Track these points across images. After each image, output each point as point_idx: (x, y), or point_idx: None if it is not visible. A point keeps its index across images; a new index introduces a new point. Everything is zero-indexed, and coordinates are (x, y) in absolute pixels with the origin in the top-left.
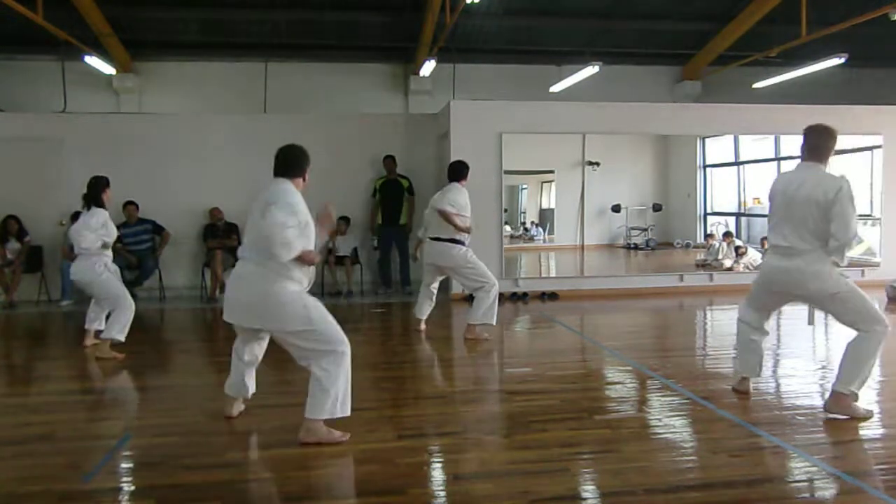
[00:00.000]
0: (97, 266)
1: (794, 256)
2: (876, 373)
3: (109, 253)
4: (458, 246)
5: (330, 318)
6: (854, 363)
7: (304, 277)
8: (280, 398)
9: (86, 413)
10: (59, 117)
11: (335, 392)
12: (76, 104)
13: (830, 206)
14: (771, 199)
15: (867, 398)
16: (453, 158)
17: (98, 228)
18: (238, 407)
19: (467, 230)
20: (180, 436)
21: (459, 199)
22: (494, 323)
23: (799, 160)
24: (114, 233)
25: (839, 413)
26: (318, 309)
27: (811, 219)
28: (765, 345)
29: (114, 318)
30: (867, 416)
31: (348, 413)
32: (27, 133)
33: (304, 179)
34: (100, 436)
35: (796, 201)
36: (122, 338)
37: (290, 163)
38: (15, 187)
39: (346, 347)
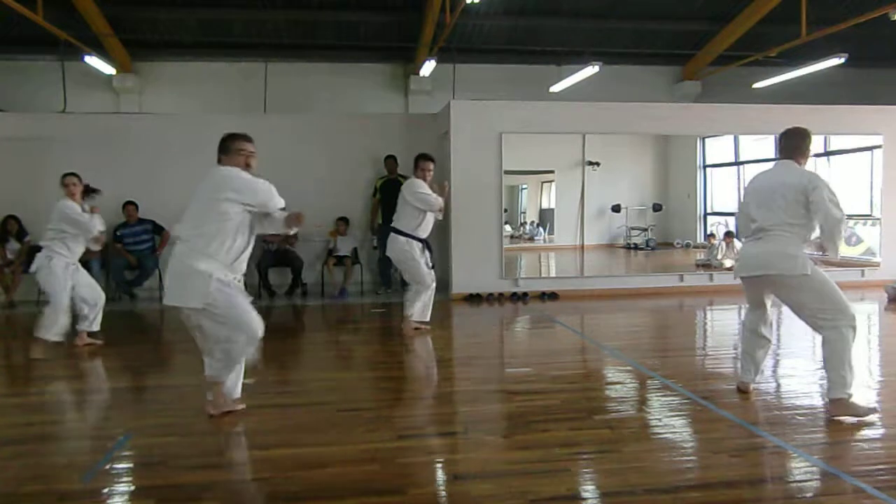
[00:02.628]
0: (44, 258)
1: (768, 240)
2: (876, 373)
3: (68, 248)
4: (408, 240)
5: (241, 304)
6: (837, 367)
7: (226, 265)
8: (280, 398)
9: (86, 413)
10: (59, 117)
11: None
12: (76, 104)
13: (808, 193)
14: (746, 195)
15: (867, 398)
16: (453, 158)
17: (55, 220)
18: (231, 405)
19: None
20: (180, 436)
21: (422, 196)
22: (428, 320)
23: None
24: (79, 226)
25: (844, 416)
26: (224, 293)
27: (785, 200)
28: (762, 353)
29: (44, 317)
30: (870, 411)
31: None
32: (27, 133)
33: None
34: (100, 436)
35: (773, 189)
36: (55, 338)
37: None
38: (15, 187)
39: (253, 337)
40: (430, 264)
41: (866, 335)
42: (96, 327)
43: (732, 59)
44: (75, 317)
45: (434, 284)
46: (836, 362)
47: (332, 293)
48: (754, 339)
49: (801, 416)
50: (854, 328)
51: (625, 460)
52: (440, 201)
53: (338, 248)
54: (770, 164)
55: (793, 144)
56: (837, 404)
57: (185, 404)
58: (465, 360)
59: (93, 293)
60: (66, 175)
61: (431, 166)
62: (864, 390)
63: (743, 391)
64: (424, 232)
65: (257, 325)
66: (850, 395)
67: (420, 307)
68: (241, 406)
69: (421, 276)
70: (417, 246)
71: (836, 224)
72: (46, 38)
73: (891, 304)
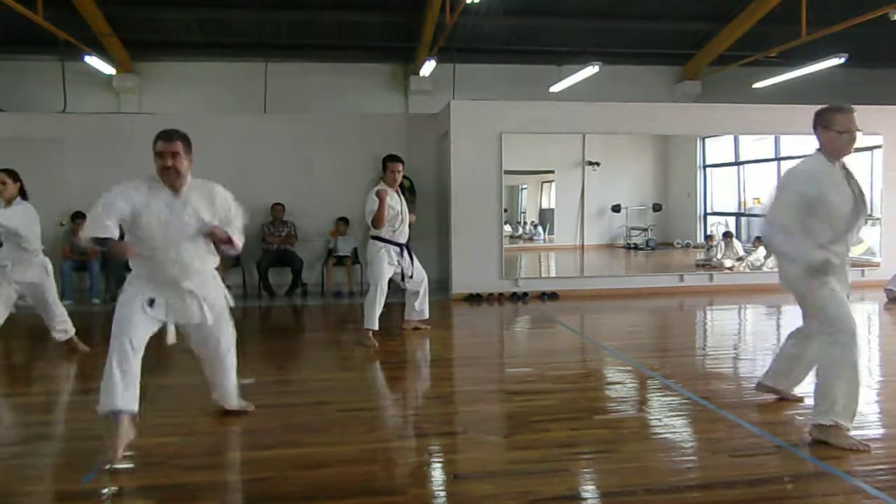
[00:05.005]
0: None
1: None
2: (876, 373)
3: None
4: (370, 242)
5: (128, 310)
6: (820, 383)
7: (143, 276)
8: (280, 398)
9: (86, 413)
10: (59, 117)
11: (104, 381)
12: (76, 104)
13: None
14: None
15: (867, 398)
16: (453, 158)
17: None
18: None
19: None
20: (180, 436)
21: (367, 204)
22: (373, 327)
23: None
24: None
25: (825, 441)
26: (124, 297)
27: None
28: (792, 369)
29: None
30: (862, 448)
31: (105, 409)
32: (27, 133)
33: None
34: (100, 436)
35: None
36: None
37: None
38: None
39: (117, 341)
40: (409, 273)
41: (866, 335)
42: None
43: (732, 59)
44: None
45: (384, 290)
46: (819, 382)
47: (340, 291)
48: (783, 348)
49: (800, 416)
50: (847, 345)
51: (625, 460)
52: (372, 208)
53: (338, 248)
54: (772, 163)
55: (813, 126)
56: (819, 430)
57: (184, 404)
58: (465, 360)
59: (43, 304)
60: None
61: (400, 167)
62: (864, 391)
63: (758, 389)
64: (394, 236)
65: (122, 346)
66: (834, 423)
67: (409, 309)
68: (252, 408)
69: (374, 279)
70: (384, 249)
71: (769, 226)
72: (46, 38)
73: (890, 304)
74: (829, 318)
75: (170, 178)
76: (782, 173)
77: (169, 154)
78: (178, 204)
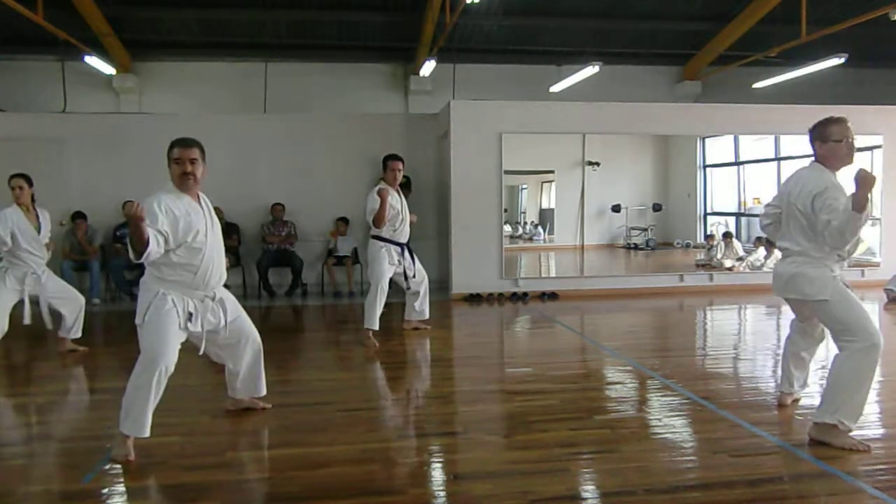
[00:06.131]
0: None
1: (788, 258)
2: (876, 373)
3: (20, 258)
4: (371, 241)
5: (165, 332)
6: (836, 386)
7: (178, 282)
8: (280, 398)
9: (86, 413)
10: (59, 117)
11: (126, 405)
12: (76, 104)
13: (813, 205)
14: (777, 198)
15: (867, 398)
16: (453, 158)
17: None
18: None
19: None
20: (180, 436)
21: (368, 203)
22: (374, 327)
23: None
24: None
25: (825, 441)
26: (158, 315)
27: (803, 219)
28: (798, 371)
29: None
30: (862, 449)
31: (141, 435)
32: (27, 133)
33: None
34: (100, 436)
35: (791, 201)
36: None
37: None
38: None
39: (156, 368)
40: (411, 273)
41: None
42: (77, 334)
43: (732, 59)
44: (58, 321)
45: (385, 290)
46: (834, 385)
47: (340, 291)
48: (793, 354)
49: (800, 415)
50: (869, 351)
51: (625, 460)
52: (373, 207)
53: (338, 248)
54: (772, 163)
55: (811, 143)
56: (821, 429)
57: (184, 404)
58: (465, 360)
59: (67, 303)
60: (11, 177)
61: (401, 166)
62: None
63: (781, 404)
64: (395, 236)
65: (161, 358)
66: (843, 424)
67: (409, 309)
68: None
69: (374, 278)
70: (385, 248)
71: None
72: (46, 38)
73: (890, 304)
74: (855, 327)
75: (188, 184)
76: (809, 187)
77: (187, 160)
78: (206, 211)
